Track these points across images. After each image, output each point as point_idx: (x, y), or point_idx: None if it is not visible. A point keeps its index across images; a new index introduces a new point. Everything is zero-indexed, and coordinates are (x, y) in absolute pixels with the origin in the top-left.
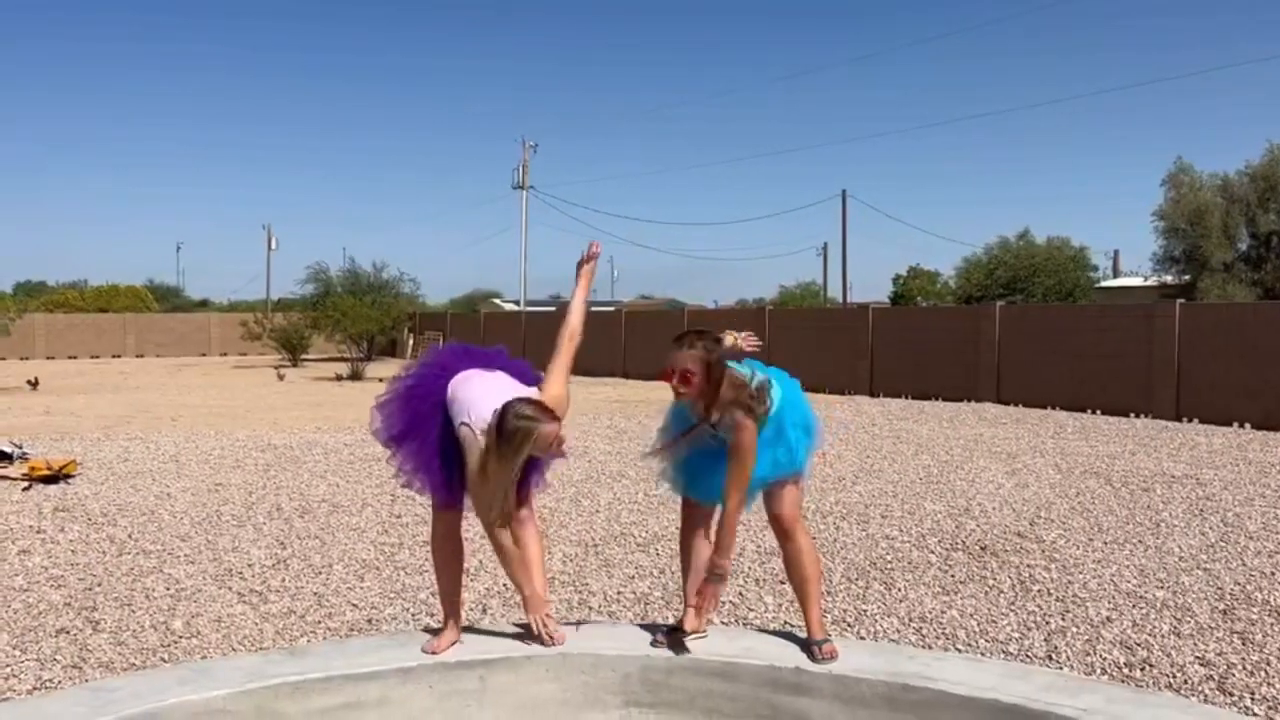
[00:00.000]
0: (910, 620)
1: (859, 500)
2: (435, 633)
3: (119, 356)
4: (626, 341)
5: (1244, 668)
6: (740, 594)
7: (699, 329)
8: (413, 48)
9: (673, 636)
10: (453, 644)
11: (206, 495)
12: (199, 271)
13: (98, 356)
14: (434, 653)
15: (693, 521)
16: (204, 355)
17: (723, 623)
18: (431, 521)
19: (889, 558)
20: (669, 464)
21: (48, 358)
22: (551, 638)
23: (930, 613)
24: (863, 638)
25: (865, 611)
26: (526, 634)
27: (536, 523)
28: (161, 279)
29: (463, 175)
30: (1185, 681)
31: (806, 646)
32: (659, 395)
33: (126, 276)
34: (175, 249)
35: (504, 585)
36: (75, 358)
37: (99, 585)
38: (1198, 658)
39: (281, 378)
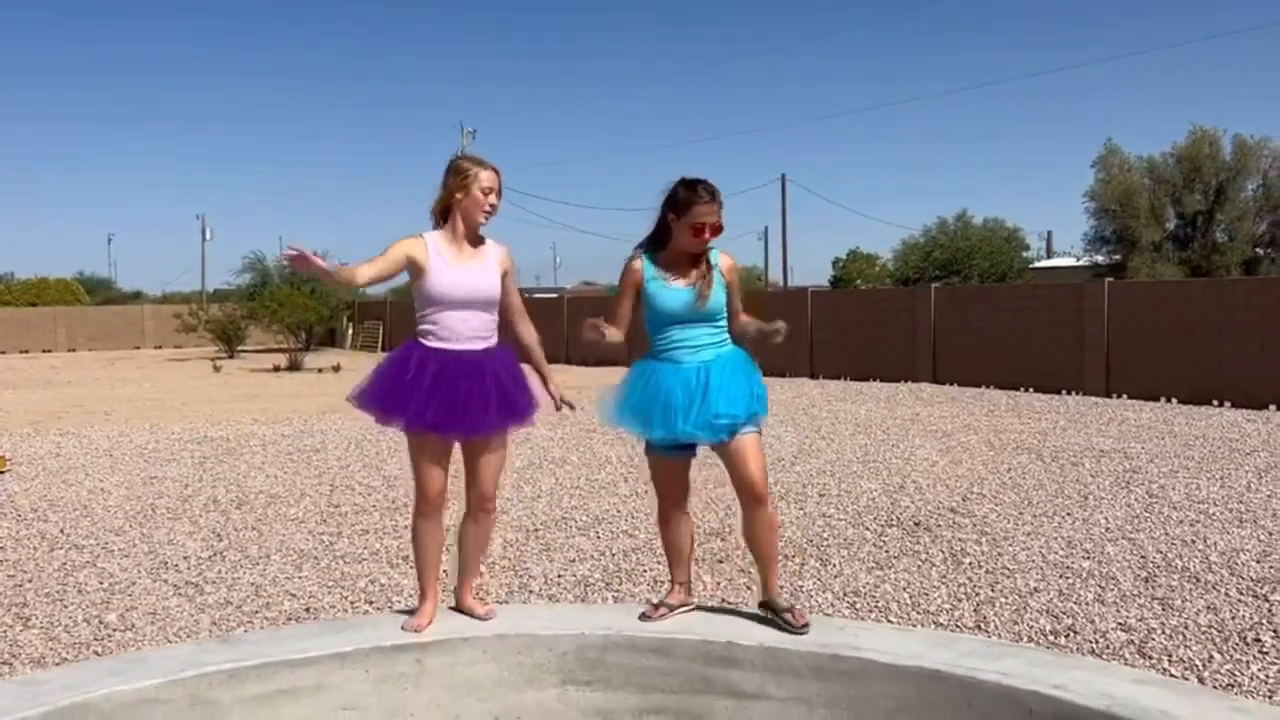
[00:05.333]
0: (844, 595)
1: (797, 480)
2: (412, 611)
3: (49, 351)
4: (569, 328)
5: (1163, 632)
6: None
7: (694, 180)
8: (347, 33)
9: (659, 610)
10: (431, 620)
11: (141, 489)
12: (131, 263)
13: (27, 351)
14: (416, 630)
15: (668, 485)
16: (138, 348)
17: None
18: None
19: (825, 535)
20: (624, 401)
21: None
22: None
23: (864, 587)
24: None
25: (801, 588)
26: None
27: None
28: (92, 271)
29: (401, 162)
30: (1107, 647)
31: (779, 615)
32: (602, 381)
33: (55, 269)
34: (106, 240)
35: (443, 571)
36: (4, 353)
37: (29, 581)
38: (1120, 624)
39: (218, 370)
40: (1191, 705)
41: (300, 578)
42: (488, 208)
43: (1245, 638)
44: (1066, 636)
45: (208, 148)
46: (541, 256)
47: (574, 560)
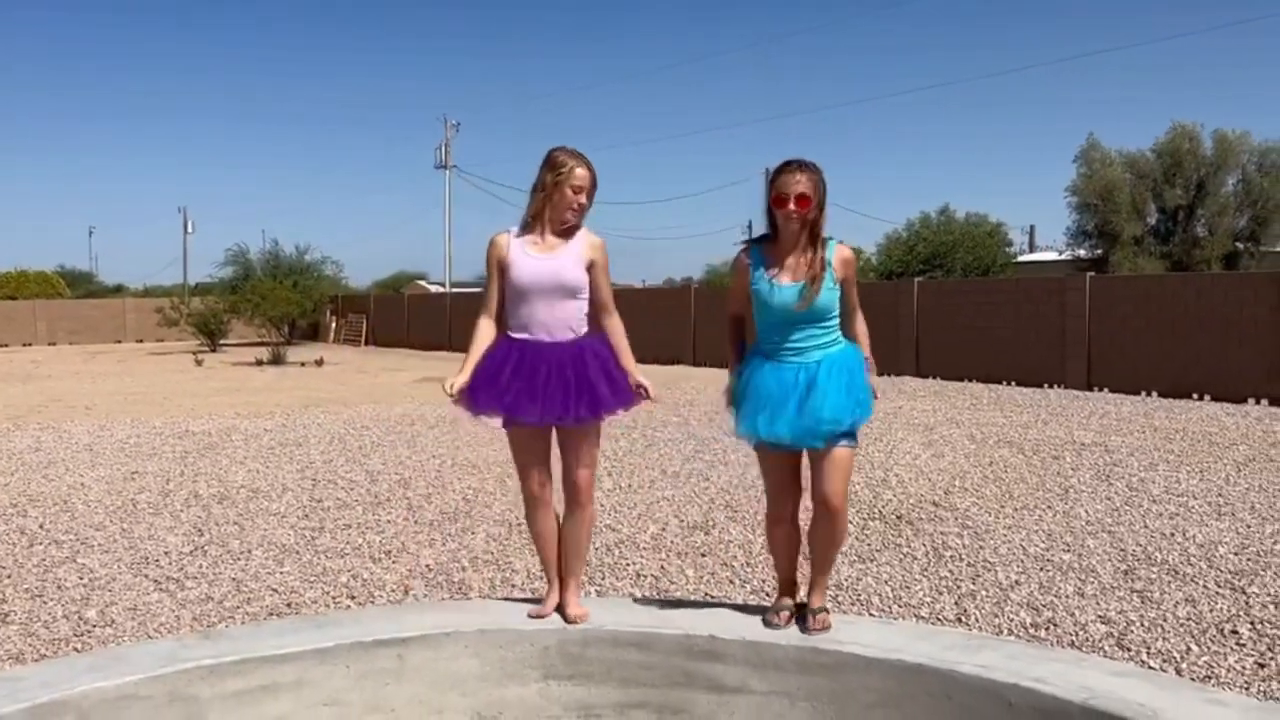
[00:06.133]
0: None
1: None
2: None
3: (29, 345)
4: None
5: (1142, 624)
6: (662, 567)
7: (800, 159)
8: (331, 25)
9: (801, 616)
10: (554, 609)
11: (122, 484)
12: (112, 256)
13: (6, 345)
14: (534, 617)
15: (775, 483)
16: (119, 342)
17: (644, 595)
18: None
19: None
20: (739, 396)
21: None
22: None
23: (846, 580)
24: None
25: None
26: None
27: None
28: (73, 264)
29: (384, 155)
30: (1087, 639)
31: (804, 614)
32: None
33: (35, 262)
34: (87, 233)
35: (425, 566)
36: None
37: (8, 577)
38: (1099, 616)
39: (200, 363)
40: (1169, 697)
41: (282, 573)
42: (575, 206)
43: (1223, 630)
44: (1047, 629)
45: (190, 140)
46: None
47: None
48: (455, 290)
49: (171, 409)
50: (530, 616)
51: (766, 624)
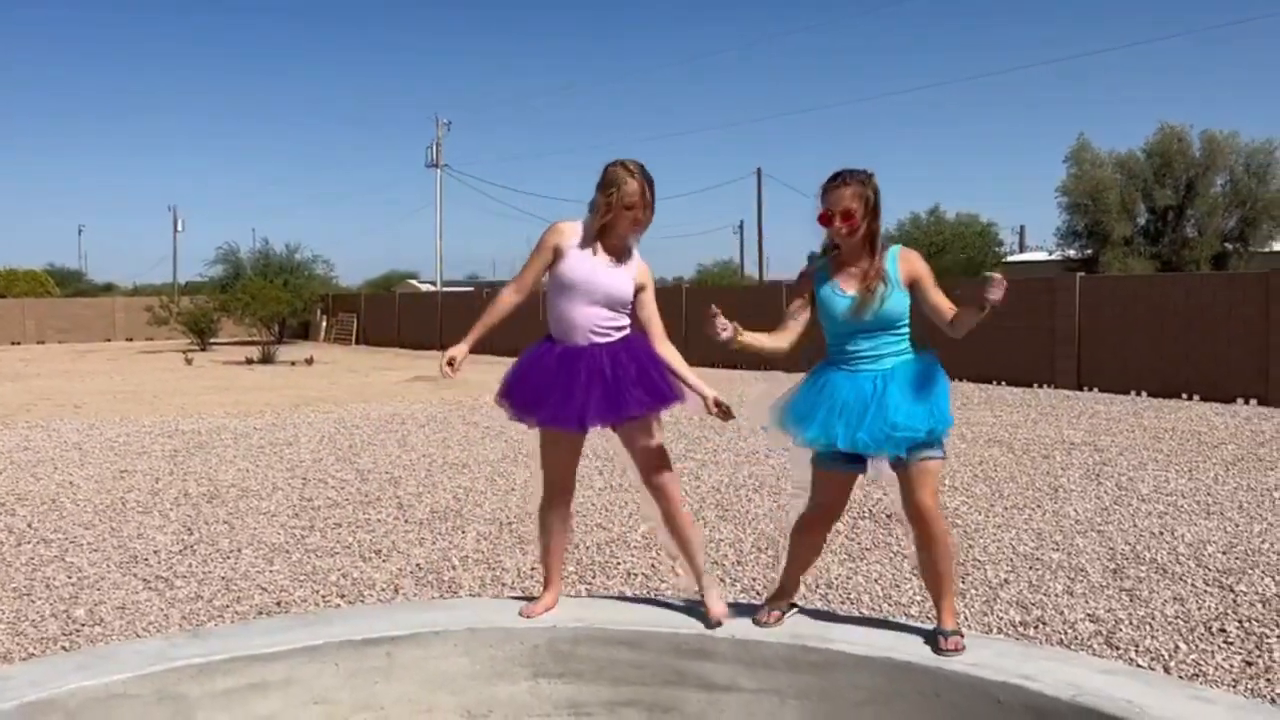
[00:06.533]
0: (817, 587)
1: (771, 473)
2: (533, 599)
3: (18, 343)
4: (545, 322)
5: (1130, 623)
6: (653, 566)
7: (849, 169)
8: (321, 22)
9: (933, 640)
10: (548, 609)
11: (111, 482)
12: (102, 255)
13: None
14: (528, 617)
15: (826, 499)
16: (109, 341)
17: (634, 594)
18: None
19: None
20: (791, 404)
21: None
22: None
23: (836, 579)
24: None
25: (774, 579)
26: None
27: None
28: (62, 263)
29: (375, 154)
30: (1076, 637)
31: (933, 637)
32: None
33: (25, 260)
34: (77, 232)
35: (416, 565)
36: None
37: None
38: (1088, 615)
39: (189, 362)
40: (1156, 694)
41: (272, 571)
42: (632, 222)
43: (1210, 628)
44: (1036, 628)
45: (180, 138)
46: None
47: None
48: (446, 289)
49: (161, 408)
50: (521, 615)
51: (756, 623)
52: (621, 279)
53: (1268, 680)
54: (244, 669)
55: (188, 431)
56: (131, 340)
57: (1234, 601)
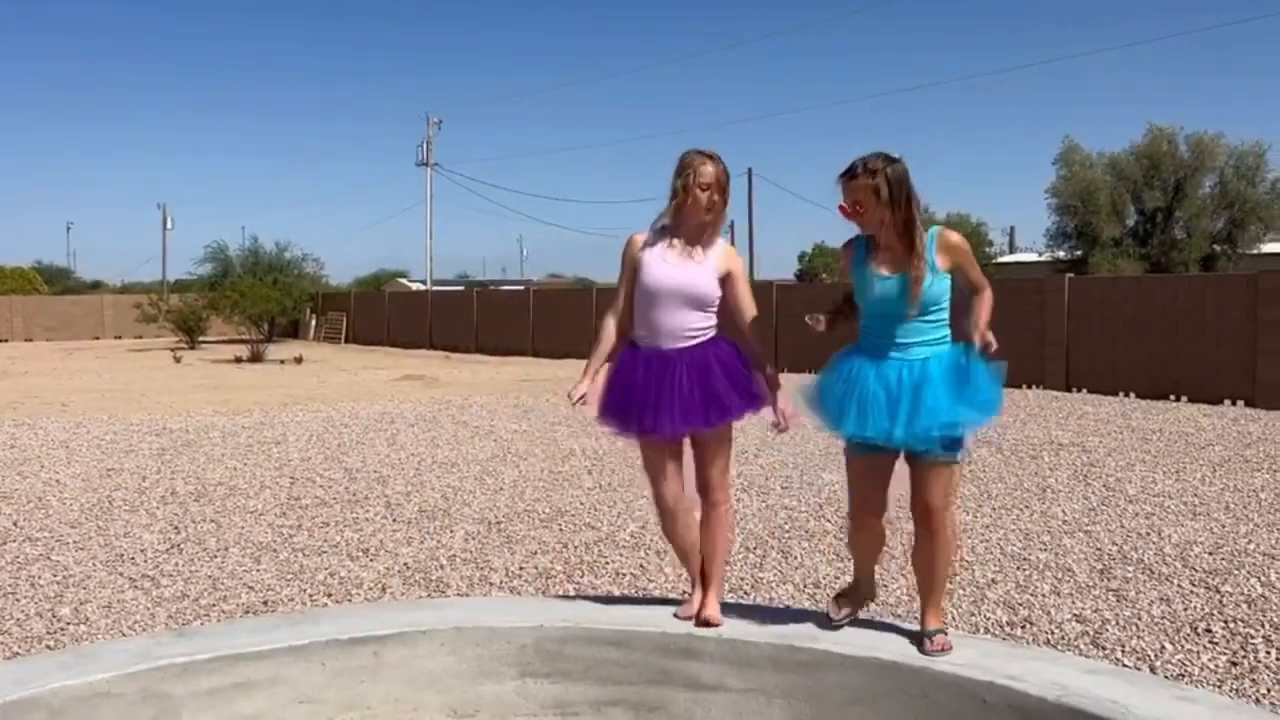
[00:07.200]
0: (805, 586)
1: (759, 473)
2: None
3: (6, 341)
4: (535, 320)
5: (1117, 623)
6: (641, 565)
7: (875, 155)
8: (311, 20)
9: (917, 640)
10: (694, 613)
11: (98, 481)
12: (91, 252)
13: None
14: (678, 618)
15: (864, 487)
16: (97, 339)
17: (623, 593)
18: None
19: (787, 527)
20: (823, 390)
21: None
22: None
23: (824, 579)
24: (756, 604)
25: (762, 579)
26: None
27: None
28: (50, 260)
29: (365, 152)
30: (1062, 637)
31: (919, 637)
32: (567, 374)
33: (12, 257)
34: (65, 229)
35: (404, 564)
36: None
37: None
38: (1075, 615)
39: (178, 361)
40: (1142, 694)
41: (259, 570)
42: (708, 205)
43: (1196, 628)
44: (1023, 628)
45: (169, 136)
46: (508, 248)
47: (535, 553)
48: (436, 288)
49: (149, 406)
50: (676, 617)
51: (828, 618)
52: (700, 274)
53: (1252, 680)
54: (229, 668)
55: (175, 430)
56: (120, 338)
57: (1220, 602)
